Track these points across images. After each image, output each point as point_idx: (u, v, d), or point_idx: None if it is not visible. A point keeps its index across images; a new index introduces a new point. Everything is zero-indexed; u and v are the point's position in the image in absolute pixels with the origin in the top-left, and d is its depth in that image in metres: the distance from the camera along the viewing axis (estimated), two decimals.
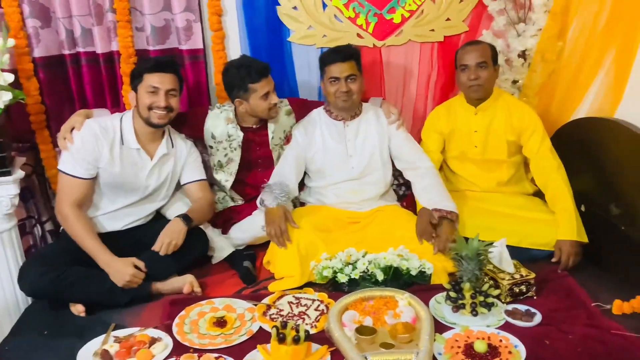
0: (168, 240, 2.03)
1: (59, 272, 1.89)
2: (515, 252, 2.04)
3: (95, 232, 2.03)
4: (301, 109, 2.51)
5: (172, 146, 2.22)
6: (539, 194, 2.41)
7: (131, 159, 2.10)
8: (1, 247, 2.10)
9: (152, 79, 2.04)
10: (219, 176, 2.48)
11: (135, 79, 2.09)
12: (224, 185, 2.47)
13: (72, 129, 2.06)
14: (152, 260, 2.03)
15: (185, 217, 2.10)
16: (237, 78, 2.26)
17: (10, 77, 2.06)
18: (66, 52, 2.48)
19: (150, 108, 2.05)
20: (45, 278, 1.88)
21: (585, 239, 2.13)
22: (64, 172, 2.03)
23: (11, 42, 2.11)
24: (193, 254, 2.17)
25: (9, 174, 2.08)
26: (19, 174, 2.13)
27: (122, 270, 1.95)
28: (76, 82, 2.51)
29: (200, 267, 2.24)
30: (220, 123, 2.40)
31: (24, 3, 2.34)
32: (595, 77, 2.28)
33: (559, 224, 2.15)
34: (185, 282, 2.04)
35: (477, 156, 2.41)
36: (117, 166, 2.07)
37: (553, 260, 2.12)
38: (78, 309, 1.93)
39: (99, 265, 1.97)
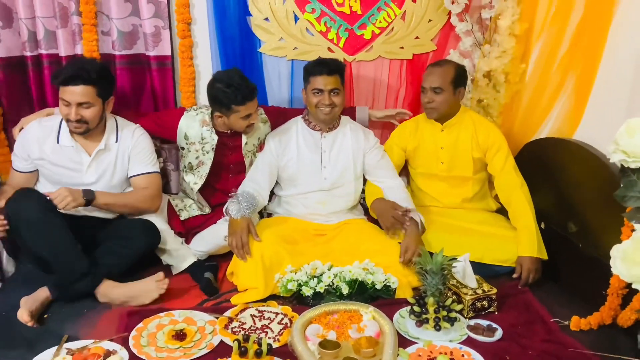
0: (65, 193, 1.99)
1: (54, 211, 1.96)
2: (478, 268, 2.07)
3: None
4: (278, 117, 2.51)
5: (116, 140, 2.21)
6: (502, 211, 2.47)
7: (67, 156, 2.14)
8: None
9: (64, 93, 2.03)
10: (188, 178, 2.45)
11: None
12: (192, 187, 2.43)
13: (22, 128, 2.18)
14: (100, 256, 2.04)
15: (87, 191, 2.07)
16: (222, 96, 2.21)
17: None
18: (27, 53, 2.41)
19: (67, 119, 2.08)
20: (41, 208, 1.93)
21: (545, 256, 2.18)
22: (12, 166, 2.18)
23: None
24: (137, 247, 2.10)
25: None
26: None
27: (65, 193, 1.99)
28: (36, 85, 2.45)
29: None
30: (195, 125, 2.37)
31: None
32: (557, 99, 2.36)
33: (520, 241, 2.20)
34: (153, 281, 1.99)
35: (443, 172, 2.45)
36: (52, 162, 2.13)
37: (514, 276, 2.16)
38: (24, 318, 1.84)
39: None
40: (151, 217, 2.21)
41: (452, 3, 2.60)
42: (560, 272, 2.20)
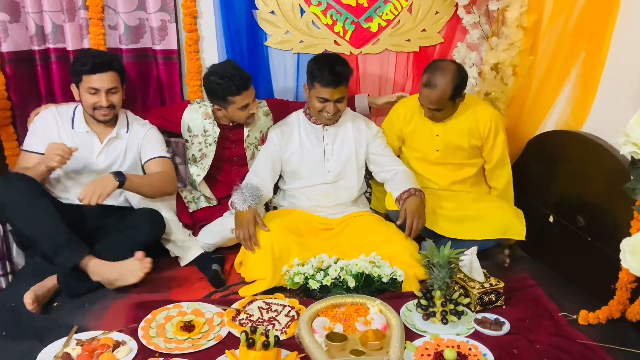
0: (92, 188, 1.96)
1: (34, 192, 1.97)
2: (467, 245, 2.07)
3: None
4: (280, 110, 2.51)
5: (127, 130, 2.26)
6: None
7: (81, 141, 2.17)
8: None
9: (91, 81, 2.08)
10: (192, 169, 2.47)
11: (74, 76, 2.13)
12: (195, 179, 2.45)
13: (37, 113, 2.23)
14: (103, 244, 2.06)
15: (117, 173, 2.06)
16: (217, 88, 2.22)
17: None
18: (35, 47, 2.42)
19: (94, 108, 2.12)
20: (22, 187, 1.95)
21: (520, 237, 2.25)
22: (22, 149, 2.19)
23: None
24: (142, 235, 2.12)
25: None
26: None
27: (55, 145, 1.99)
28: (44, 79, 2.46)
29: (168, 270, 2.20)
30: (198, 117, 2.39)
31: None
32: (560, 90, 2.35)
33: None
34: (137, 260, 1.99)
35: (438, 160, 2.43)
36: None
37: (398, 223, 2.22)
38: (27, 300, 1.86)
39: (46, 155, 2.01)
40: (160, 207, 2.23)
41: None
42: (568, 265, 2.19)
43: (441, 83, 2.18)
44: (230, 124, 2.39)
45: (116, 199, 2.23)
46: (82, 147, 2.13)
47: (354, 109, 2.56)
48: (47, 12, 2.37)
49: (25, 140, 2.19)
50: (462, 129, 2.35)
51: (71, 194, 2.18)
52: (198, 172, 2.45)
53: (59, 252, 1.95)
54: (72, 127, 2.19)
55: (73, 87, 2.16)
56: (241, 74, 2.22)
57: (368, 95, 2.65)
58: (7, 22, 2.34)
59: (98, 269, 1.98)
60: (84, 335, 1.72)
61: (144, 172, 2.29)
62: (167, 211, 2.25)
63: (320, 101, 2.25)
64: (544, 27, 2.45)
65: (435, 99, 2.21)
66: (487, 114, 2.35)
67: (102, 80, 2.08)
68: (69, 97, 2.44)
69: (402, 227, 2.22)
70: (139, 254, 2.02)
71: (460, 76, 2.22)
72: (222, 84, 2.20)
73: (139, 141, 2.27)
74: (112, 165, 2.22)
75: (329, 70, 2.19)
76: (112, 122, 2.22)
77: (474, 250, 2.02)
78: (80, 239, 2.00)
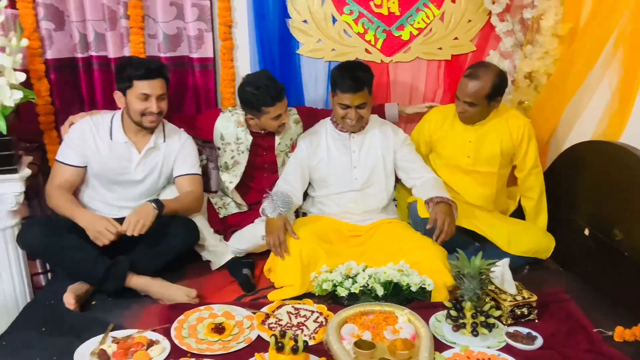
0: (135, 219, 2.00)
1: (57, 234, 1.97)
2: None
3: (75, 202, 2.13)
4: (309, 117, 2.54)
5: (164, 140, 2.26)
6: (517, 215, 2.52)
7: (120, 152, 2.18)
8: (3, 244, 2.11)
9: (143, 87, 2.09)
10: (224, 177, 2.51)
11: (123, 82, 2.11)
12: (228, 186, 2.49)
13: (72, 123, 2.22)
14: (139, 253, 2.09)
15: (156, 201, 2.09)
16: (252, 98, 2.25)
17: (22, 77, 2.08)
18: (78, 55, 2.50)
19: (143, 114, 2.12)
20: (45, 236, 1.96)
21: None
22: (56, 160, 2.18)
23: (25, 42, 2.13)
24: (177, 245, 2.15)
25: (15, 171, 2.09)
26: (26, 172, 2.15)
27: (96, 221, 1.99)
28: (87, 85, 2.54)
29: (200, 273, 2.25)
30: (230, 125, 2.42)
31: (38, 5, 2.36)
32: (596, 99, 2.30)
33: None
34: (185, 293, 2.03)
35: (468, 166, 2.41)
36: (104, 158, 2.16)
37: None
38: (69, 300, 1.93)
39: (79, 224, 2.00)
40: (193, 215, 2.26)
41: (493, 3, 2.56)
42: (604, 280, 2.13)
43: (483, 76, 2.21)
44: (262, 132, 2.43)
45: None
46: (120, 158, 2.17)
47: (383, 117, 2.57)
48: (90, 21, 2.46)
49: (59, 151, 2.18)
50: (495, 135, 2.35)
51: (102, 205, 2.21)
52: (230, 179, 2.49)
53: (102, 284, 2.00)
54: (111, 138, 2.18)
55: (117, 94, 2.15)
56: (275, 85, 2.25)
57: (398, 104, 2.65)
58: (52, 30, 2.42)
59: (143, 288, 2.03)
60: (119, 333, 1.77)
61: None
62: (198, 217, 2.29)
63: (342, 107, 2.26)
64: (579, 36, 2.41)
65: (474, 90, 2.22)
66: (520, 120, 2.35)
67: (154, 86, 2.10)
68: (109, 103, 2.51)
69: (430, 234, 2.17)
70: (192, 292, 2.03)
71: (502, 78, 2.26)
72: (257, 95, 2.23)
73: (175, 153, 2.27)
74: (148, 176, 2.24)
75: (349, 76, 2.22)
76: (148, 131, 2.22)
77: (505, 262, 1.99)
78: (116, 247, 2.02)
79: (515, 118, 2.36)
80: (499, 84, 2.24)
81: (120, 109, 2.22)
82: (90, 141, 2.16)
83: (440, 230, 2.10)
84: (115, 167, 2.15)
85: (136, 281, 2.03)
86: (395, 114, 2.62)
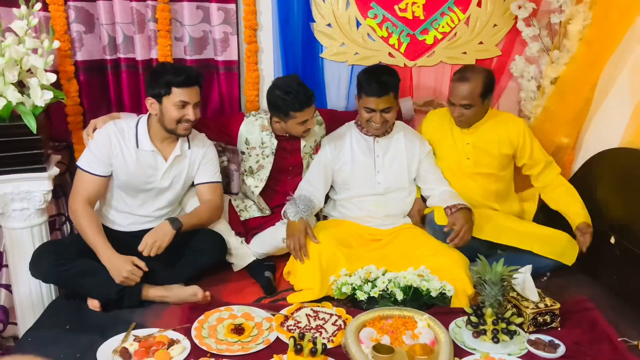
0: (152, 241, 2.01)
1: (66, 262, 1.95)
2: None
3: (101, 229, 2.06)
4: (331, 119, 2.54)
5: (189, 147, 2.24)
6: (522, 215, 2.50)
7: (146, 160, 2.14)
8: (31, 241, 2.16)
9: (182, 94, 2.06)
10: (248, 181, 2.51)
11: (160, 88, 2.06)
12: (253, 191, 2.49)
13: (95, 128, 2.16)
14: (162, 266, 2.07)
15: (172, 220, 2.09)
16: (281, 103, 2.25)
17: (52, 77, 2.13)
18: (107, 57, 2.55)
19: (179, 121, 2.09)
20: (53, 266, 1.95)
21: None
22: (80, 168, 2.10)
23: (56, 44, 2.19)
24: (205, 260, 2.17)
25: (44, 170, 2.14)
26: (54, 170, 2.20)
27: (121, 267, 1.97)
28: (115, 87, 2.58)
29: (220, 274, 2.27)
30: (255, 129, 2.44)
31: (69, 9, 2.43)
32: (624, 106, 2.26)
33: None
34: (191, 293, 2.02)
35: (468, 169, 2.41)
36: (131, 166, 2.12)
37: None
38: (94, 304, 1.98)
39: (101, 261, 1.99)
40: None
41: (519, 8, 2.53)
42: (630, 289, 2.08)
43: (473, 76, 2.26)
44: (287, 135, 2.44)
45: (159, 220, 2.19)
46: (146, 167, 2.14)
47: (400, 111, 2.56)
48: (119, 24, 2.51)
49: (82, 157, 2.12)
50: (492, 136, 2.38)
51: (123, 217, 2.20)
52: (256, 183, 2.48)
53: (119, 302, 1.99)
54: (137, 146, 2.13)
55: (150, 100, 2.10)
56: (305, 90, 2.24)
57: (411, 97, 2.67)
58: (82, 32, 2.48)
59: (160, 300, 2.03)
60: (141, 332, 1.80)
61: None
62: (220, 220, 2.31)
63: (367, 111, 2.27)
64: (607, 41, 2.36)
65: (467, 92, 2.25)
66: (517, 122, 2.42)
67: (192, 93, 2.08)
68: (136, 104, 2.58)
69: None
70: (199, 292, 2.01)
71: (490, 76, 2.32)
72: (286, 100, 2.23)
73: (199, 160, 2.25)
74: (173, 184, 2.22)
75: (375, 80, 2.22)
76: (173, 138, 2.18)
77: (528, 268, 1.96)
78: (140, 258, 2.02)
79: (512, 120, 2.42)
80: (489, 81, 2.30)
81: (145, 113, 2.21)
82: (117, 149, 2.10)
83: (456, 235, 2.12)
84: (142, 175, 2.14)
85: (153, 294, 2.03)
86: (411, 107, 2.63)
